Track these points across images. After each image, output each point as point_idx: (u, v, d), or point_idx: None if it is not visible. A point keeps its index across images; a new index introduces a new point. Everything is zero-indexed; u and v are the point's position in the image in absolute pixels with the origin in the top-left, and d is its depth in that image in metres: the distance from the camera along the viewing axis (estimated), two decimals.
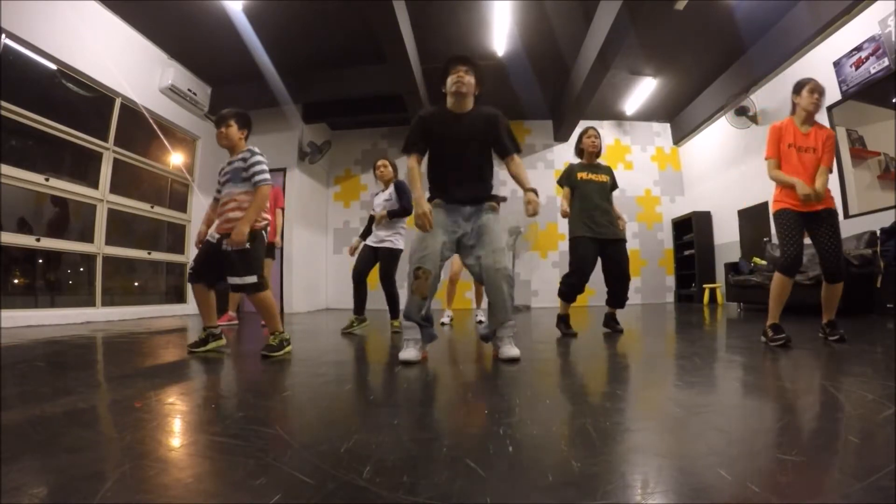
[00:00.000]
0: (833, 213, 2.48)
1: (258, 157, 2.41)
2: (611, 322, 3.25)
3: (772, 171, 2.57)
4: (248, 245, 2.31)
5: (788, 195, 2.50)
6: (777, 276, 2.48)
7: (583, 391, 1.66)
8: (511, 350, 2.13)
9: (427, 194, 2.25)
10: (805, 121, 2.56)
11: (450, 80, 2.20)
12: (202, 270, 2.43)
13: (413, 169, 2.21)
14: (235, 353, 2.61)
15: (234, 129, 2.45)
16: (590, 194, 3.09)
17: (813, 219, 2.46)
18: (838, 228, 2.46)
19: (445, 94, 2.25)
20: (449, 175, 2.25)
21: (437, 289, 2.18)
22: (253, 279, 2.33)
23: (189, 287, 5.99)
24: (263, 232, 2.44)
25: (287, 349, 2.40)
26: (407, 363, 2.07)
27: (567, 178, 3.20)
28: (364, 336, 3.41)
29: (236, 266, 2.32)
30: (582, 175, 3.15)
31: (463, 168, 2.25)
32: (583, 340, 2.92)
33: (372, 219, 3.69)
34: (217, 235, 2.41)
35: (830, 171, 2.50)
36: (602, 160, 3.35)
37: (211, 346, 2.48)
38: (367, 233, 3.72)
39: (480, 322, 4.11)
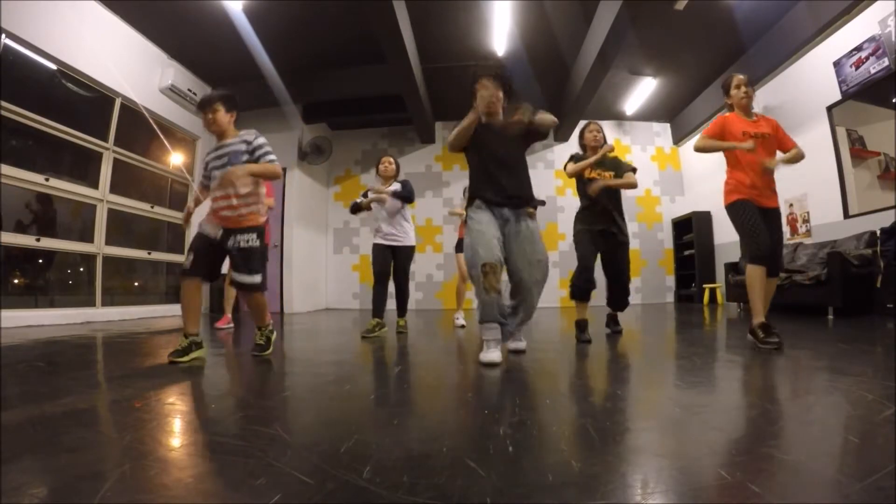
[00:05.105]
0: (779, 212, 2.49)
1: (263, 140, 2.28)
2: (611, 323, 3.24)
3: (705, 140, 2.48)
4: (256, 243, 2.27)
5: (740, 187, 2.44)
6: (751, 268, 2.30)
7: (583, 391, 1.66)
8: (519, 343, 2.36)
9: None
10: (746, 115, 2.56)
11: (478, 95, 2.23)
12: (201, 264, 2.20)
13: None
14: (236, 353, 2.61)
15: (221, 114, 2.29)
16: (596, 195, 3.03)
17: (763, 215, 2.40)
18: (781, 226, 2.49)
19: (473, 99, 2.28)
20: (489, 179, 2.23)
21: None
22: (259, 279, 2.27)
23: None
24: (263, 230, 2.38)
25: (272, 340, 2.44)
26: (491, 365, 1.98)
27: (577, 167, 3.01)
28: (366, 335, 3.41)
29: (247, 263, 2.22)
30: (588, 172, 3.04)
31: (501, 171, 2.23)
32: None
33: (365, 194, 3.59)
34: (219, 231, 2.24)
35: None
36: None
37: (194, 355, 2.18)
38: (359, 206, 3.60)
39: (463, 326, 3.98)
